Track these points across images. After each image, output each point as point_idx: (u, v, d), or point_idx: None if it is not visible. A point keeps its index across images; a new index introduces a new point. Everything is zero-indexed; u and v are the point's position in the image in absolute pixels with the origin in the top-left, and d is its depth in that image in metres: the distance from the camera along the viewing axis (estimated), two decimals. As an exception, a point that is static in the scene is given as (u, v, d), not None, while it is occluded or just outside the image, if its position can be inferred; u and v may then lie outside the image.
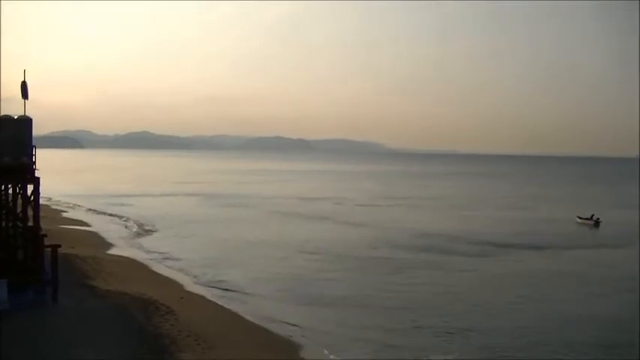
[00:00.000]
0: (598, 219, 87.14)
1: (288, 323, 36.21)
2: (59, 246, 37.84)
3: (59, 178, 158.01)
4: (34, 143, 37.37)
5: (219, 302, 40.60)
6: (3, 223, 38.40)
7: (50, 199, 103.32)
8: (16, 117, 37.34)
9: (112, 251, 58.04)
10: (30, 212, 37.47)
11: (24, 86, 38.13)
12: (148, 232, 73.58)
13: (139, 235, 71.04)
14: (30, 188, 37.37)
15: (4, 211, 38.66)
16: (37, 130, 38.88)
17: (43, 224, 41.53)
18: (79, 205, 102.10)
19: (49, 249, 36.82)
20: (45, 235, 37.86)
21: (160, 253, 59.00)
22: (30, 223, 37.55)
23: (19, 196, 38.56)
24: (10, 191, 39.56)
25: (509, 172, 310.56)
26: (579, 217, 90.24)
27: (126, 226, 77.52)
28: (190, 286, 45.18)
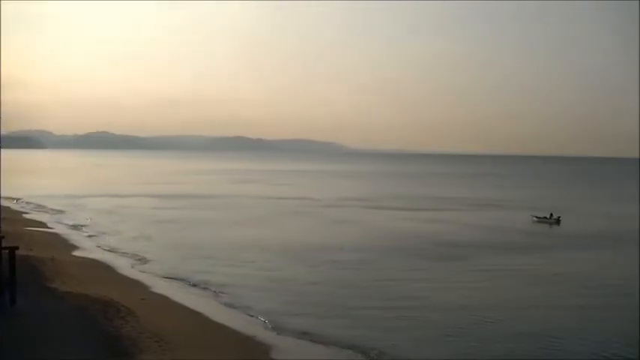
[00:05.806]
0: (559, 217, 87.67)
1: (255, 323, 36.10)
2: (17, 247, 36.99)
3: (22, 180, 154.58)
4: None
5: (183, 303, 40.18)
6: (-42, 225, 37.45)
7: (13, 199, 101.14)
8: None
9: (74, 253, 57.03)
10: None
11: None
12: (110, 233, 72.47)
13: (100, 236, 69.87)
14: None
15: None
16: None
17: (3, 226, 40.54)
18: (41, 206, 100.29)
19: (7, 251, 35.96)
20: (3, 237, 36.98)
21: (122, 253, 58.18)
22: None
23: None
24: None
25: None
26: (536, 217, 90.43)
27: (88, 228, 76.21)
28: (153, 286, 44.64)
